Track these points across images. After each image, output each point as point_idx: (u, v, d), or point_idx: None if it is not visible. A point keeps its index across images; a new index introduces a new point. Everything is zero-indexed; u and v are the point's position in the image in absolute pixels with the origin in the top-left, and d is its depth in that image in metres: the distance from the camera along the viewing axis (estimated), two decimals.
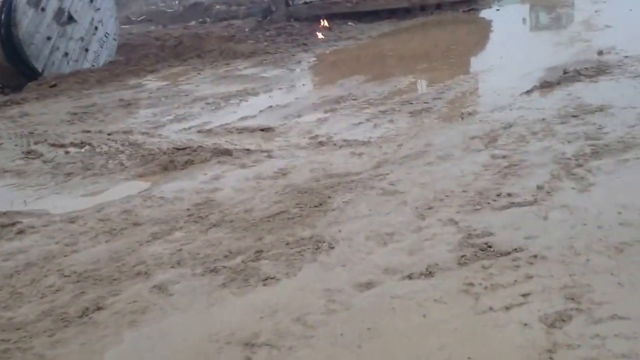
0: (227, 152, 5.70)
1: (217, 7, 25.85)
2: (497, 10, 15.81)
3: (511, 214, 3.94)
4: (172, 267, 3.70)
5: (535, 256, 3.34)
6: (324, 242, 3.82)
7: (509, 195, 4.21)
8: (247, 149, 5.83)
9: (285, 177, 5.07)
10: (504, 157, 4.99)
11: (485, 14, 15.87)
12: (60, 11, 11.27)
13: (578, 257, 3.31)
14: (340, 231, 3.96)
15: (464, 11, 16.01)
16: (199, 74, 10.87)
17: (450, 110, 6.83)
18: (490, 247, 3.51)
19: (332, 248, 3.74)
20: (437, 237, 3.73)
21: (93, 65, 11.75)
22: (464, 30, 14.39)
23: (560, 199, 4.06)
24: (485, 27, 14.56)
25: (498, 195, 4.23)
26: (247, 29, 15.38)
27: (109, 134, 7.08)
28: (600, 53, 8.40)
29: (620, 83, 6.89)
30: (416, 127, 6.19)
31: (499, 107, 6.55)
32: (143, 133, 6.98)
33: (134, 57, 12.25)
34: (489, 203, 4.12)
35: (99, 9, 11.88)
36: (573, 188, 4.20)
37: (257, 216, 4.33)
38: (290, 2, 16.52)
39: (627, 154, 4.70)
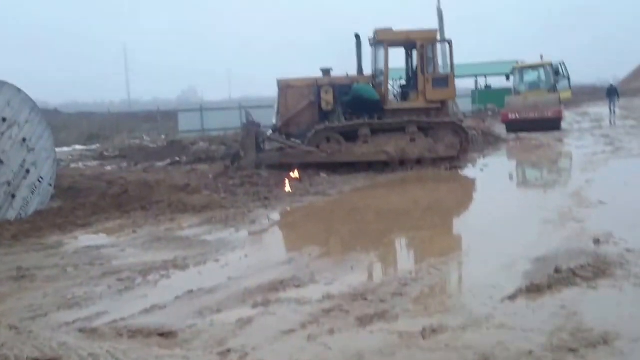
0: None
1: (201, 144, 25.11)
2: (481, 170, 14.76)
3: None
4: None
5: None
6: None
7: None
8: None
9: None
10: None
11: (468, 172, 14.85)
12: None
13: None
14: None
15: (446, 168, 14.98)
16: (134, 232, 9.39)
17: (412, 317, 5.25)
18: None
19: None
20: None
21: (20, 214, 10.27)
22: (445, 189, 13.28)
23: None
24: (467, 188, 13.49)
25: None
26: (211, 176, 14.16)
27: None
28: (596, 242, 7.04)
29: (626, 294, 5.43)
30: (360, 349, 4.58)
31: (473, 320, 5.00)
32: (12, 328, 5.32)
33: (69, 207, 10.81)
34: None
35: (32, 149, 10.58)
36: None
37: None
38: (262, 147, 15.45)
39: None
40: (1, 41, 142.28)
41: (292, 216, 10.56)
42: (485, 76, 46.97)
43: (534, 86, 27.90)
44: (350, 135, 15.26)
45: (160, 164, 19.50)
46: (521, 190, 12.59)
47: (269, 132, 15.75)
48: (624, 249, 6.73)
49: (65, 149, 29.42)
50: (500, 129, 25.33)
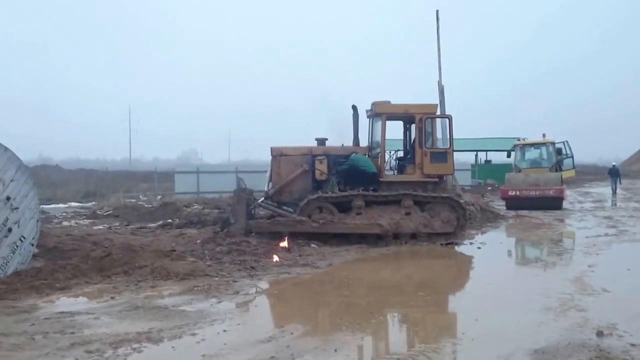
0: None
1: (195, 206, 24.74)
2: (479, 248, 14.35)
3: None
4: None
5: None
6: None
7: None
8: None
9: None
10: None
11: (465, 249, 14.44)
12: None
13: None
14: None
15: (441, 244, 14.57)
16: (112, 298, 8.92)
17: None
18: None
19: None
20: None
21: None
22: (440, 266, 12.88)
23: None
24: (463, 266, 13.08)
25: None
26: (199, 241, 13.73)
27: None
28: (600, 334, 6.61)
29: None
30: None
31: None
32: None
33: (49, 268, 10.33)
34: None
35: (16, 208, 10.23)
36: None
37: None
38: (253, 213, 15.11)
39: None
40: (13, 97, 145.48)
41: (278, 288, 10.09)
42: (486, 151, 47.13)
43: (535, 164, 27.74)
44: (344, 206, 14.93)
45: (152, 225, 19.11)
46: (520, 272, 12.08)
47: (262, 199, 15.42)
48: (628, 343, 6.30)
49: (62, 205, 29.15)
50: (499, 205, 25.04)
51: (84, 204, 29.97)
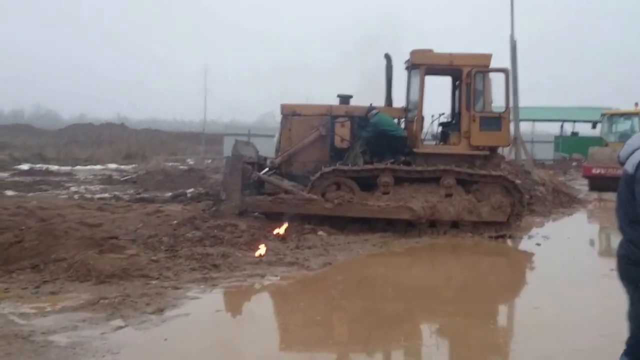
0: None
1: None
2: (538, 244, 10.88)
3: None
4: None
5: None
6: None
7: None
8: None
9: None
10: None
11: (521, 244, 11.12)
12: None
13: None
14: None
15: (490, 237, 11.22)
16: None
17: None
18: None
19: None
20: None
21: None
22: (486, 266, 9.93)
23: None
24: (517, 267, 9.98)
25: None
26: (174, 222, 10.86)
27: None
28: None
29: None
30: None
31: None
32: None
33: None
34: None
35: None
36: None
37: None
38: (260, 187, 12.13)
39: None
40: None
41: (225, 305, 7.15)
42: (574, 122, 42.18)
43: (625, 137, 23.42)
44: (368, 183, 11.74)
45: (167, 194, 16.49)
46: (584, 291, 8.03)
47: (265, 170, 12.35)
48: None
49: (98, 167, 27.66)
50: (581, 185, 21.17)
51: (120, 166, 28.26)
